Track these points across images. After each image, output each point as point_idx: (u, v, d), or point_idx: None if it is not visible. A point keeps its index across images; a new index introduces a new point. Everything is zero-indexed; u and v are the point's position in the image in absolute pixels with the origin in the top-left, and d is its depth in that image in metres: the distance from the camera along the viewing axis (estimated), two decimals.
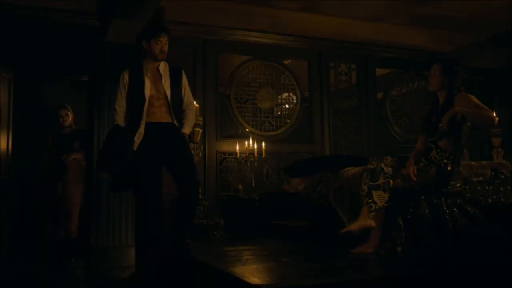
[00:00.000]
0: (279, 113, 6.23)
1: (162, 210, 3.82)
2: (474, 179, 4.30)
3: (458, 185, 3.82)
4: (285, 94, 6.25)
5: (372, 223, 3.35)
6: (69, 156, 5.01)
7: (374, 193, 3.37)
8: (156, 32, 3.64)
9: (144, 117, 3.60)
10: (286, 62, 6.34)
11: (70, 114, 5.22)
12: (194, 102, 3.93)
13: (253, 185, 5.34)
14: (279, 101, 6.19)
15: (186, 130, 3.75)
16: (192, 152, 4.90)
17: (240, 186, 5.35)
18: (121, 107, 3.72)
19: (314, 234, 4.29)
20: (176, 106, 3.71)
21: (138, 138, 3.58)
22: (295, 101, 6.22)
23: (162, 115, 3.65)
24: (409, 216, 3.56)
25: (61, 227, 5.02)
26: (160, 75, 3.68)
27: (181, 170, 3.64)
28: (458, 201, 3.76)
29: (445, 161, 3.59)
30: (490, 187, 4.32)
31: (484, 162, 4.51)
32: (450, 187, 3.67)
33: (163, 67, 3.72)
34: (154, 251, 3.55)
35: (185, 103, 3.79)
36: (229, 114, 5.89)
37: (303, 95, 6.27)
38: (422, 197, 3.65)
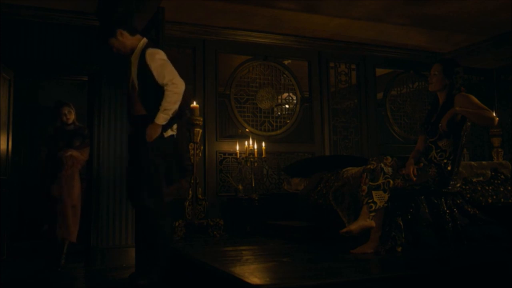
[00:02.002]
0: (279, 113, 6.23)
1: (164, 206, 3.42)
2: (474, 179, 4.31)
3: (458, 185, 3.82)
4: (285, 94, 6.25)
5: (372, 223, 3.35)
6: (66, 152, 4.87)
7: (374, 193, 3.37)
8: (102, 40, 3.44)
9: (129, 112, 3.48)
10: (286, 62, 6.34)
11: (72, 112, 5.12)
12: (175, 80, 3.27)
13: (253, 185, 5.33)
14: (279, 101, 6.19)
15: (157, 118, 3.22)
16: (192, 152, 4.91)
17: (240, 186, 5.35)
18: None
19: (314, 234, 4.29)
20: (149, 92, 3.31)
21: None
22: (295, 101, 6.22)
23: (138, 108, 3.36)
24: (409, 216, 3.57)
25: (57, 227, 4.87)
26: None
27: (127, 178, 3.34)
28: (458, 201, 3.77)
29: (445, 161, 3.59)
30: (490, 187, 4.33)
31: (484, 162, 4.51)
32: (450, 187, 3.68)
33: (136, 53, 3.39)
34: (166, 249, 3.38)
35: (160, 85, 3.28)
36: (229, 114, 5.89)
37: (303, 95, 6.26)
38: (422, 197, 3.66)
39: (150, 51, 3.31)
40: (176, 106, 3.26)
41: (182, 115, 3.43)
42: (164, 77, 3.25)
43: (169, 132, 3.35)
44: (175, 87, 3.25)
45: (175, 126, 3.40)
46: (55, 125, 5.14)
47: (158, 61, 3.28)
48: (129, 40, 3.41)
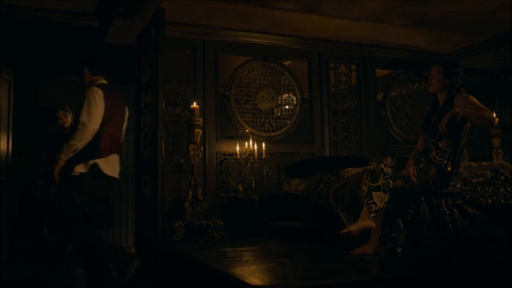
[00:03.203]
0: (279, 114, 6.23)
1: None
2: (474, 180, 4.31)
3: (458, 186, 3.82)
4: (285, 95, 6.25)
5: (372, 224, 3.35)
6: None
7: (374, 194, 3.37)
8: None
9: None
10: (286, 63, 6.34)
11: (69, 115, 5.12)
12: (87, 125, 3.30)
13: (253, 186, 5.33)
14: (279, 102, 6.19)
15: (61, 153, 3.33)
16: (192, 152, 4.90)
17: (240, 187, 5.35)
18: None
19: (314, 234, 4.29)
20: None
21: None
22: (295, 102, 6.22)
23: None
24: (409, 217, 3.57)
25: (57, 229, 4.86)
26: None
27: None
28: (458, 202, 3.77)
29: (445, 162, 3.59)
30: (490, 188, 4.33)
31: (484, 163, 4.51)
32: (450, 188, 3.68)
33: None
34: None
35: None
36: (229, 115, 5.89)
37: (303, 96, 6.27)
38: (422, 198, 3.66)
39: (90, 88, 3.40)
40: (79, 144, 3.30)
41: (92, 154, 3.39)
42: (81, 116, 3.32)
43: (81, 169, 3.35)
44: (82, 132, 3.30)
45: (91, 164, 3.37)
46: (54, 127, 5.15)
47: (87, 101, 3.35)
48: (88, 77, 3.57)
